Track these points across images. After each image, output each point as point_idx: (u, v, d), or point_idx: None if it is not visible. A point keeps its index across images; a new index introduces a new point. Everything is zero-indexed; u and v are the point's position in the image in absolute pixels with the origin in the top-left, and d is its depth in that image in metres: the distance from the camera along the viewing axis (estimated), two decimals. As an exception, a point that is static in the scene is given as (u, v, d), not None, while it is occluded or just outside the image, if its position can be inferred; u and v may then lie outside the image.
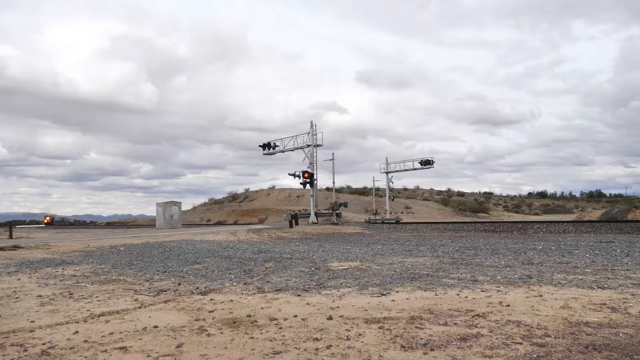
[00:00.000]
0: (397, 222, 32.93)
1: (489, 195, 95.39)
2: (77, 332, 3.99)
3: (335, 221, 30.74)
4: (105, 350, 3.43)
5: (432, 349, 3.30)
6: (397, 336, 3.65)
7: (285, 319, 4.30)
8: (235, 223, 50.22)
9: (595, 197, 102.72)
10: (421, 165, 36.54)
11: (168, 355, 3.32)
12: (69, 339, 3.78)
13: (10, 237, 21.18)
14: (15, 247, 13.45)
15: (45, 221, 70.80)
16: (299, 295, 5.60)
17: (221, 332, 3.89)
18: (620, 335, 3.54)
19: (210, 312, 4.71)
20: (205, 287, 6.34)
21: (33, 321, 4.44)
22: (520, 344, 3.38)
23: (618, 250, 10.68)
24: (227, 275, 7.61)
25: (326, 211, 33.92)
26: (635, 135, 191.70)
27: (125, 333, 3.93)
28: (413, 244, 14.79)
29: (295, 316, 4.41)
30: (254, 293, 5.82)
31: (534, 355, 3.11)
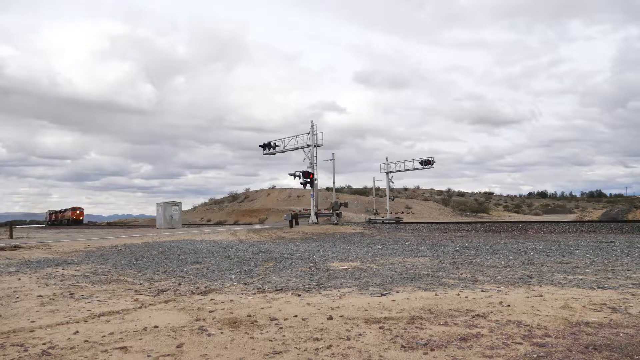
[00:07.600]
0: (398, 222, 32.92)
1: (489, 195, 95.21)
2: (77, 332, 3.99)
3: (336, 221, 30.73)
4: (106, 350, 3.44)
5: (432, 349, 3.30)
6: (398, 336, 3.65)
7: (286, 319, 4.30)
8: (236, 223, 50.20)
9: (595, 197, 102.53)
10: (421, 165, 36.50)
11: (168, 355, 3.32)
12: (69, 339, 3.78)
13: (11, 237, 21.19)
14: (16, 247, 13.46)
15: (75, 216, 54.62)
16: (299, 295, 5.60)
17: (221, 332, 3.90)
18: (621, 335, 3.54)
19: (210, 312, 4.71)
20: (205, 287, 6.35)
21: (33, 321, 4.44)
22: (521, 344, 3.38)
23: (618, 251, 10.68)
24: (227, 275, 7.62)
25: (326, 211, 33.88)
26: (634, 135, 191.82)
27: (125, 333, 3.93)
28: (413, 244, 14.78)
29: (296, 316, 4.41)
30: (254, 293, 5.82)
31: (534, 356, 3.11)
